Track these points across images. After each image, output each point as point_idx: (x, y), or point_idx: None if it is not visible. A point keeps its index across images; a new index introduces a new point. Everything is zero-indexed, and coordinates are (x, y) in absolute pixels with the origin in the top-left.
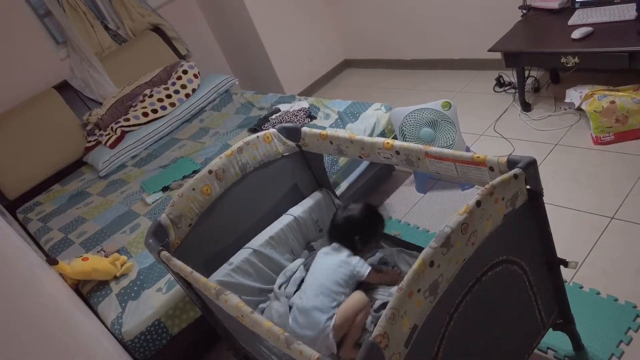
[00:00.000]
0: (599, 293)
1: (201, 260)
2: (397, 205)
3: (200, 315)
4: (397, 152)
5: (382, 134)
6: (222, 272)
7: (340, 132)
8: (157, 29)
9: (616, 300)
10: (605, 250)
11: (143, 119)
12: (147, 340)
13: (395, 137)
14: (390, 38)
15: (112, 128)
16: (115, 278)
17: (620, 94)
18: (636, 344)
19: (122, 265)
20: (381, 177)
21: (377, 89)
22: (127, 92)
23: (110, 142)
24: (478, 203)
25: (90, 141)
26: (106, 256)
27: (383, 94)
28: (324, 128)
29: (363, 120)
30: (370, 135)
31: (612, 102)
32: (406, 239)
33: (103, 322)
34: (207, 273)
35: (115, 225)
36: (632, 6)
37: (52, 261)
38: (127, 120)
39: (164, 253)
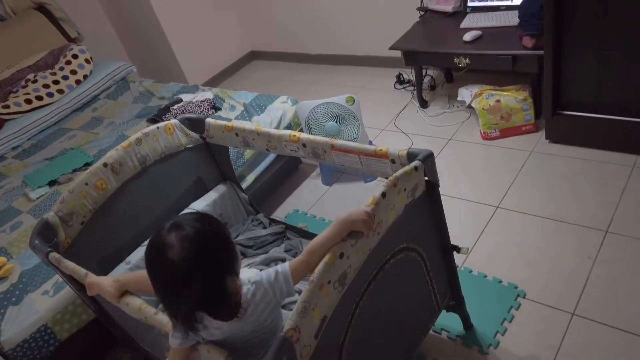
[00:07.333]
0: (485, 276)
1: (95, 260)
2: (303, 198)
3: (93, 318)
4: (304, 145)
5: (289, 127)
6: (119, 272)
7: (247, 124)
8: (42, 8)
9: (500, 282)
10: (491, 237)
11: (26, 107)
12: (32, 348)
13: (301, 130)
14: (297, 32)
15: None
16: None
17: (505, 93)
18: (517, 320)
19: (0, 268)
20: (287, 170)
21: (283, 82)
22: (7, 76)
23: None
24: (383, 194)
25: None
26: None
27: (289, 87)
28: (229, 120)
29: (269, 113)
30: (277, 128)
31: (498, 100)
32: (312, 231)
33: None
34: (102, 273)
35: None
36: (515, 13)
37: None
38: (7, 107)
39: (54, 254)
